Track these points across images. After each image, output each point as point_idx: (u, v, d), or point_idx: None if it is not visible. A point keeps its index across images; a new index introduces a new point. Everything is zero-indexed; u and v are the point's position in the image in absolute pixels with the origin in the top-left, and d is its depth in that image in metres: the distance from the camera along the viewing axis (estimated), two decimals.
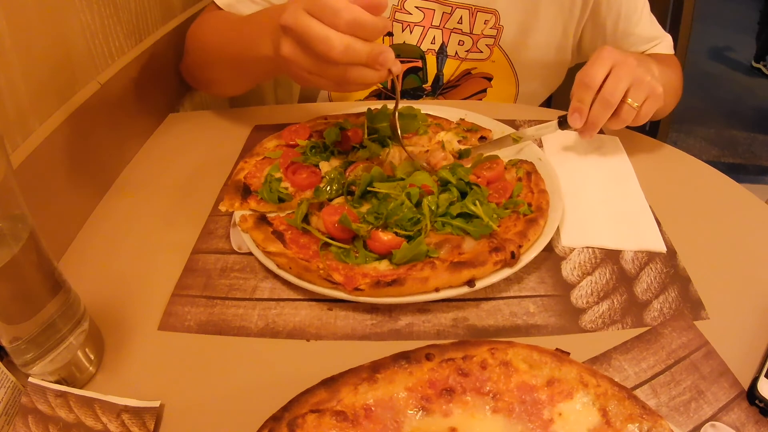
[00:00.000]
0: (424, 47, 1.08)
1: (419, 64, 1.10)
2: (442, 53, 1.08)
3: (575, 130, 0.82)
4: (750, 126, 4.28)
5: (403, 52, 1.09)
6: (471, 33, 1.07)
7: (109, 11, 0.86)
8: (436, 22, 1.06)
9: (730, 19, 6.21)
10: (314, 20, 0.62)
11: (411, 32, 1.07)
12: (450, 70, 1.10)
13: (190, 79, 1.07)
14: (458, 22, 1.05)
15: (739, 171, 3.63)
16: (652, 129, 2.79)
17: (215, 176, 0.84)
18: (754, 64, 5.41)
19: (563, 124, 0.84)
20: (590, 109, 0.79)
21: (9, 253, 0.47)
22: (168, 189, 0.84)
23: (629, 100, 0.78)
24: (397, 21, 1.06)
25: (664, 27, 2.55)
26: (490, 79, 1.13)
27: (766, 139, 4.01)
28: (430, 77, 1.11)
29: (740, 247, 0.71)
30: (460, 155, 0.84)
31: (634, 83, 0.77)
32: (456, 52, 1.08)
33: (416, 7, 1.04)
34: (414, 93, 1.12)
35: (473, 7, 1.04)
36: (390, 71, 0.65)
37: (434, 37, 1.07)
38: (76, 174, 0.77)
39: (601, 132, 0.94)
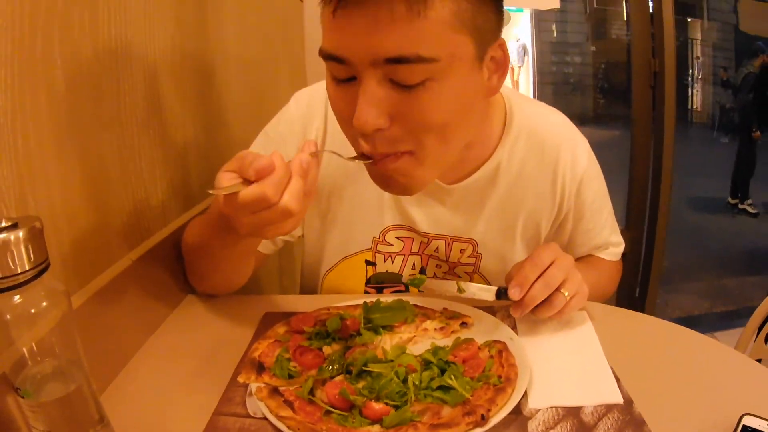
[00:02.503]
0: (405, 273, 1.15)
1: (402, 288, 1.17)
2: (422, 275, 1.12)
3: (512, 301, 0.93)
4: (739, 269, 4.29)
5: (386, 279, 1.15)
6: (447, 260, 1.13)
7: (141, 196, 1.02)
8: (414, 249, 1.13)
9: (711, 166, 6.32)
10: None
11: (393, 262, 1.14)
12: None
13: (191, 282, 1.12)
14: (435, 251, 1.12)
15: (732, 317, 3.59)
16: (641, 294, 2.84)
17: (231, 353, 0.94)
18: (731, 201, 5.54)
19: (502, 295, 0.95)
20: (531, 287, 0.90)
21: (65, 390, 0.57)
22: (189, 359, 0.93)
23: (563, 290, 0.91)
24: (379, 252, 1.12)
25: (646, 180, 2.65)
26: None
27: (755, 280, 4.03)
28: None
29: (694, 388, 0.80)
30: (414, 283, 1.00)
31: (569, 278, 0.92)
32: (434, 274, 1.15)
33: (396, 238, 1.11)
34: None
35: (449, 238, 1.10)
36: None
37: (414, 263, 1.14)
38: (104, 339, 0.85)
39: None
